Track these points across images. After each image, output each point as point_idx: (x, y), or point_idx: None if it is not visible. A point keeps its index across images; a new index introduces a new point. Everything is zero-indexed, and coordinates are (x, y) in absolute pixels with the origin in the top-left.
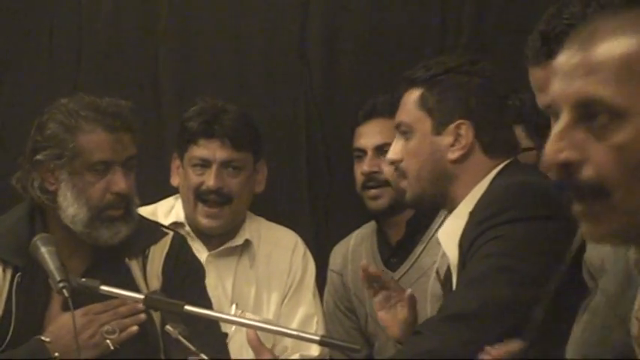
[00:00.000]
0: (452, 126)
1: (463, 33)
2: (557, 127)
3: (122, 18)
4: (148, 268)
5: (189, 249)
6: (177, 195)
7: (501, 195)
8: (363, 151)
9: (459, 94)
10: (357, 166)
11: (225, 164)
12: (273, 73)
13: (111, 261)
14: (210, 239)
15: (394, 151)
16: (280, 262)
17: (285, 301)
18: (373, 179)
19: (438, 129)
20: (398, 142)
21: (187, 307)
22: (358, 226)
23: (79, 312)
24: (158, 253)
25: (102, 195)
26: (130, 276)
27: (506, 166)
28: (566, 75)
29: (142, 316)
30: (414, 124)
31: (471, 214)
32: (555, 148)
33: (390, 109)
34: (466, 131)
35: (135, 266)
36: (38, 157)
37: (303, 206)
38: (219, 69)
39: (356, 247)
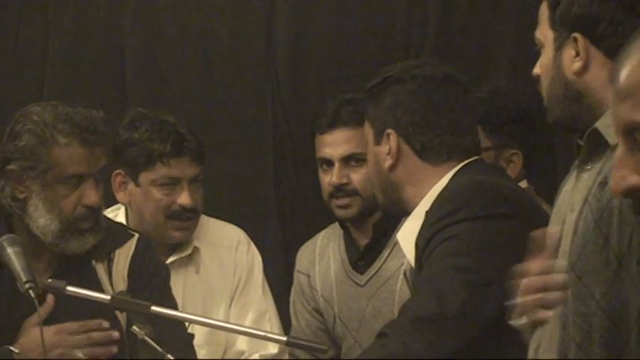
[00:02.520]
0: (384, 135)
1: (429, 32)
2: (617, 154)
3: (88, 18)
4: (114, 270)
5: (153, 251)
6: (116, 207)
7: (456, 194)
8: (330, 162)
9: (389, 102)
10: (323, 176)
11: (193, 180)
12: (240, 73)
13: (77, 265)
14: (159, 251)
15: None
16: (225, 263)
17: (234, 302)
18: (342, 190)
19: (377, 139)
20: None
21: (154, 308)
22: (325, 226)
23: (52, 329)
24: (123, 256)
25: (74, 208)
26: (95, 279)
27: (465, 165)
28: (615, 100)
29: (114, 348)
30: (365, 135)
31: (427, 213)
32: (618, 175)
33: (355, 118)
34: (393, 140)
35: (101, 269)
36: (10, 166)
37: (269, 206)
38: (185, 69)
39: (323, 248)
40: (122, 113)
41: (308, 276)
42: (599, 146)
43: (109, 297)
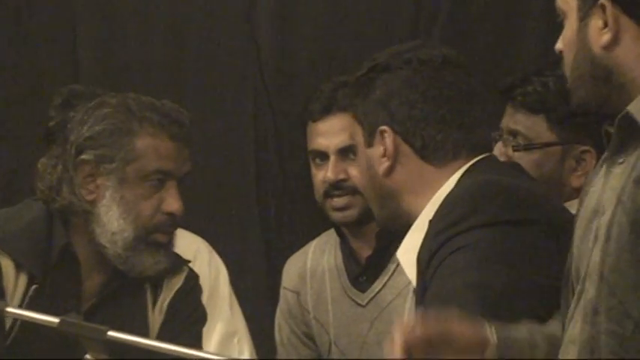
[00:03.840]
0: (377, 134)
1: (439, 17)
2: None
3: None
4: (159, 299)
5: (200, 291)
6: None
7: (464, 198)
8: (323, 154)
9: (380, 95)
10: (315, 172)
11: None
12: (216, 57)
13: (130, 286)
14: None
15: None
16: None
17: None
18: (339, 187)
19: (369, 139)
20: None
21: (111, 334)
22: (318, 233)
23: None
24: (170, 287)
25: (153, 213)
26: (144, 306)
27: (475, 164)
28: None
29: None
30: (355, 136)
31: (430, 222)
32: None
33: (353, 101)
34: (388, 138)
35: (149, 295)
36: (84, 156)
37: (251, 211)
38: (152, 48)
39: (316, 261)
40: None
41: (297, 294)
42: (632, 134)
43: (57, 320)
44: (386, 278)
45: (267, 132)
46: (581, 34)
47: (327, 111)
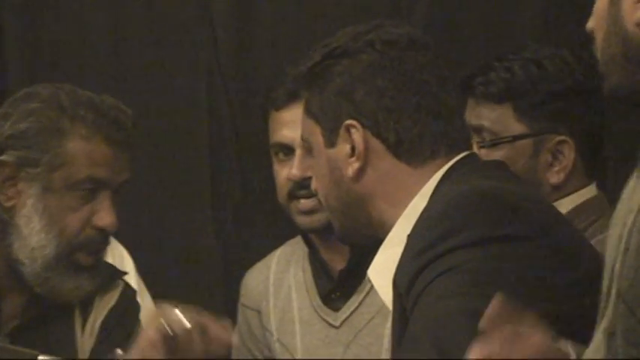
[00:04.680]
0: (341, 131)
1: None
2: None
3: None
4: (90, 318)
5: (138, 309)
6: None
7: (446, 212)
8: (288, 148)
9: (341, 85)
10: (278, 168)
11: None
12: (164, 37)
13: (57, 306)
14: None
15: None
16: None
17: None
18: (306, 186)
19: (330, 138)
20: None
21: (42, 357)
22: (281, 243)
23: None
24: (102, 305)
25: (81, 227)
26: (72, 327)
27: (456, 164)
28: None
29: None
30: (307, 135)
31: (409, 238)
32: None
33: None
34: (356, 134)
35: (77, 316)
36: (4, 157)
37: (204, 216)
38: (89, 32)
39: (280, 274)
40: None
41: (259, 312)
42: None
43: None
44: (362, 295)
45: (222, 123)
46: (613, 8)
47: (292, 98)
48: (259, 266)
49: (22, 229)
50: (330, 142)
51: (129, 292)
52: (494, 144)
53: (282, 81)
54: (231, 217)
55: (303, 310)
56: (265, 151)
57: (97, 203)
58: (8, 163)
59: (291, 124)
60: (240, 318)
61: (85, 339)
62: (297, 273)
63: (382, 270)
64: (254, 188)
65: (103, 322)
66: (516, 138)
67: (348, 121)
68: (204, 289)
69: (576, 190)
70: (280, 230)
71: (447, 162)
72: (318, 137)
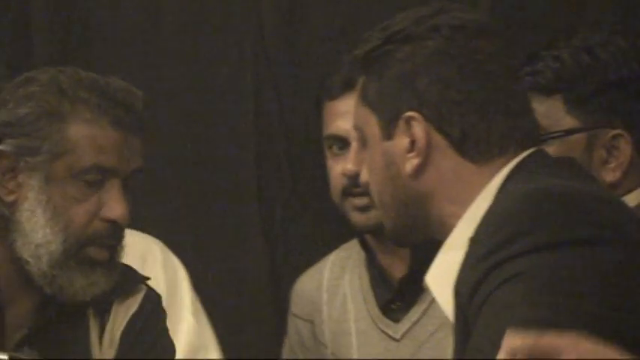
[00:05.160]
0: (400, 122)
1: None
2: None
3: None
4: (108, 327)
5: (163, 316)
6: None
7: (513, 213)
8: (343, 140)
9: (402, 72)
10: (332, 163)
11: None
12: (210, 25)
13: (69, 313)
14: None
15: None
16: None
17: None
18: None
19: (388, 130)
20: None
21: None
22: (335, 247)
23: None
24: (122, 312)
25: (88, 220)
26: (86, 337)
27: (522, 162)
28: None
29: None
30: (362, 125)
31: (472, 242)
32: None
33: None
34: (417, 127)
35: (94, 322)
36: (1, 146)
37: (251, 218)
38: (129, 16)
39: (334, 281)
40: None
41: (312, 323)
42: None
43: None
44: (425, 305)
45: (269, 116)
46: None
47: (348, 87)
48: (311, 272)
49: (25, 225)
50: (387, 134)
51: (153, 298)
52: (543, 140)
53: (337, 69)
54: (279, 217)
55: (359, 321)
56: (317, 146)
57: (105, 193)
58: (5, 153)
59: (346, 115)
60: (290, 329)
61: (105, 350)
62: (353, 280)
63: (442, 276)
64: (304, 186)
65: (125, 332)
66: (567, 133)
67: (409, 113)
68: (250, 297)
69: (634, 188)
70: (334, 232)
71: (513, 159)
72: (373, 128)
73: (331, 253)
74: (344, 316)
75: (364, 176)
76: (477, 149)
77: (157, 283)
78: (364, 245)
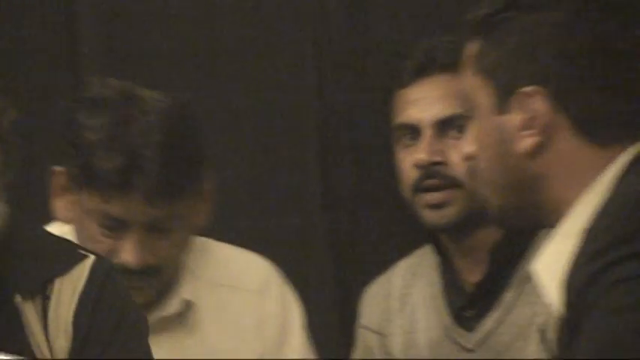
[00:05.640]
0: (518, 97)
1: None
2: None
3: None
4: (51, 314)
5: (120, 284)
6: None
7: (636, 207)
8: (415, 130)
9: (522, 42)
10: (402, 155)
11: (151, 226)
12: (269, 10)
13: None
14: None
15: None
16: (242, 316)
17: None
18: (434, 174)
19: (502, 103)
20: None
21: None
22: (406, 252)
23: None
24: (68, 291)
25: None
26: (19, 327)
27: None
28: None
29: None
30: (474, 95)
31: (588, 234)
32: None
33: (458, 59)
34: (538, 102)
35: (30, 310)
36: None
37: (313, 221)
38: (179, 6)
39: (405, 289)
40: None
41: (381, 335)
42: None
43: None
44: (501, 312)
45: (333, 108)
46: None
47: (421, 73)
48: (381, 281)
49: None
50: (502, 108)
51: (102, 268)
52: None
53: (409, 55)
54: (345, 220)
55: (430, 330)
56: (386, 141)
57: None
58: (62, 172)
59: (418, 103)
60: (358, 342)
61: (53, 338)
62: (424, 287)
63: (551, 266)
64: (372, 186)
65: (77, 314)
66: None
67: (529, 87)
68: (315, 308)
69: None
70: (405, 236)
71: (630, 144)
72: (486, 99)
73: (402, 260)
74: (413, 326)
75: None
76: (598, 132)
77: (273, 319)
78: (438, 247)
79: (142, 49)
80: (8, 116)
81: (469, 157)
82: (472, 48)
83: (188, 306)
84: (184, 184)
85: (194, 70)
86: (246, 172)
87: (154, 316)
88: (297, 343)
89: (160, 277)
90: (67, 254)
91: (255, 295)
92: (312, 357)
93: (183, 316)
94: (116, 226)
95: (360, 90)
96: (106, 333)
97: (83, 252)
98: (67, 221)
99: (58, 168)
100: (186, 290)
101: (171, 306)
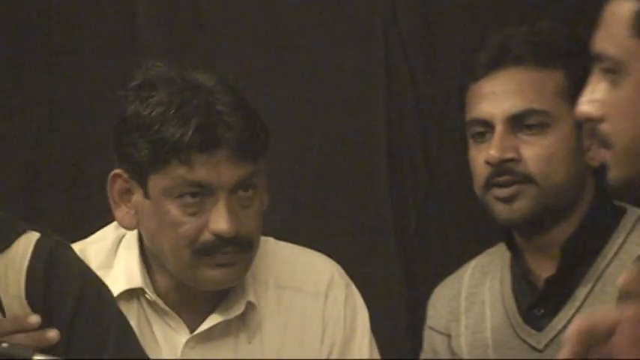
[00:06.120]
0: None
1: None
2: None
3: None
4: (1, 295)
5: (71, 257)
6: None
7: None
8: (487, 125)
9: None
10: (475, 152)
11: (236, 189)
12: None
13: None
14: (190, 309)
15: (593, 101)
16: (306, 319)
17: None
18: (506, 171)
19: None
20: (599, 85)
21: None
22: (477, 253)
23: None
24: (13, 269)
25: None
26: None
27: None
28: None
29: None
30: (626, 58)
31: None
32: None
33: (533, 51)
34: None
35: None
36: None
37: (383, 220)
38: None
39: (474, 288)
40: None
41: (448, 337)
42: None
43: None
44: (573, 311)
45: (403, 100)
46: None
47: (495, 64)
48: (450, 281)
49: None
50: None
51: (48, 242)
52: None
53: (483, 46)
54: (414, 218)
55: (497, 330)
56: (458, 136)
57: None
58: (122, 175)
59: (491, 97)
60: (425, 343)
61: (10, 315)
62: (493, 286)
63: None
64: (443, 182)
65: (29, 292)
66: None
67: None
68: (382, 308)
69: None
70: (477, 234)
71: None
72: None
73: (473, 259)
74: (481, 326)
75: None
76: None
77: (338, 323)
78: (510, 242)
79: (203, 35)
80: None
81: (589, 119)
82: (626, 6)
83: (252, 308)
84: (260, 146)
85: (261, 61)
86: (313, 171)
87: (220, 317)
88: (362, 346)
89: (251, 252)
90: (5, 230)
91: (318, 297)
92: (377, 357)
93: (245, 319)
94: (202, 194)
95: (431, 83)
96: (67, 306)
97: (21, 228)
98: (132, 227)
99: (116, 171)
100: (249, 292)
101: (236, 309)
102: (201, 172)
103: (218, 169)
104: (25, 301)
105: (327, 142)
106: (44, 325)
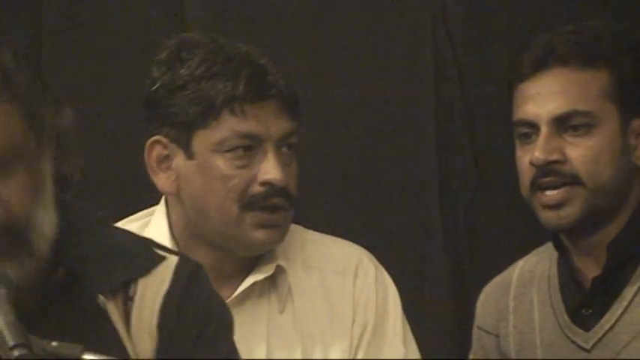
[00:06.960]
0: None
1: None
2: None
3: None
4: (134, 317)
5: (205, 284)
6: (146, 212)
7: None
8: (533, 126)
9: None
10: (521, 153)
11: (283, 143)
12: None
13: (70, 298)
14: (223, 273)
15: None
16: (337, 296)
17: None
18: (551, 172)
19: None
20: None
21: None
22: (525, 252)
23: None
24: (151, 293)
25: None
26: (104, 325)
27: None
28: None
29: None
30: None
31: None
32: None
33: (578, 51)
34: None
35: (114, 311)
36: None
37: (431, 219)
38: None
39: (523, 288)
40: None
41: (497, 337)
42: None
43: None
44: (620, 310)
45: (451, 102)
46: None
47: (541, 65)
48: (498, 281)
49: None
50: None
51: (186, 267)
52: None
53: (529, 47)
54: (463, 218)
55: (545, 330)
56: (506, 136)
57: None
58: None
59: (537, 98)
60: (474, 343)
61: (136, 339)
62: (541, 286)
63: None
64: (492, 182)
65: (162, 314)
66: None
67: None
68: (430, 308)
69: None
70: (526, 234)
71: None
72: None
73: (521, 259)
74: (529, 326)
75: None
76: None
77: (368, 301)
78: (557, 243)
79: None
80: (66, 117)
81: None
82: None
83: (280, 272)
84: (299, 104)
85: (309, 59)
86: (363, 168)
87: (251, 277)
88: (396, 326)
89: (291, 212)
90: (146, 255)
91: (347, 275)
92: (410, 339)
93: (276, 282)
94: (252, 147)
95: (480, 83)
96: (192, 334)
97: (162, 252)
98: (173, 192)
99: (154, 138)
100: (280, 257)
101: (267, 270)
102: (253, 123)
103: (268, 121)
104: (155, 327)
105: (376, 141)
106: (163, 349)
